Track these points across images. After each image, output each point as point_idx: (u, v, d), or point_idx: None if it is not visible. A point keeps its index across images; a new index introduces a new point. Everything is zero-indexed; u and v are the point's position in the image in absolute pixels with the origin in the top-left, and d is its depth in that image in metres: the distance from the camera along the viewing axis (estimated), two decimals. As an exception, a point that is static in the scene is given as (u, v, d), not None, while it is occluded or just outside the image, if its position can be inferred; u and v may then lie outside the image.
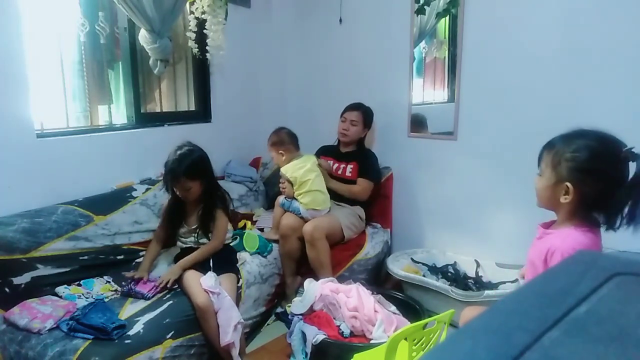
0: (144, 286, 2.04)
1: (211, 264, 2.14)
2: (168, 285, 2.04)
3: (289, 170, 2.62)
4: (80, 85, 2.45)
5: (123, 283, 2.07)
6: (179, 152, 2.12)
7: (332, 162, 2.88)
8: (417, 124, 2.96)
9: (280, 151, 2.66)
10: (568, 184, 1.20)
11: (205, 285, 1.95)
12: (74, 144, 2.32)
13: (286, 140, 2.66)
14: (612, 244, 1.93)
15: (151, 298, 1.99)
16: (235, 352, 1.94)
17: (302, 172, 2.59)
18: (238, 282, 2.22)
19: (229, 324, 1.90)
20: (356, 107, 2.87)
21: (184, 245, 2.25)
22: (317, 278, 2.35)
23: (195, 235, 2.21)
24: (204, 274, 2.05)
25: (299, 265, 2.62)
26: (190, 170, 2.08)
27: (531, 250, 1.35)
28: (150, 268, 2.19)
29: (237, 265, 2.32)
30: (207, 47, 2.81)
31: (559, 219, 1.29)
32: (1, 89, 1.99)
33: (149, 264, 2.18)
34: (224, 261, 2.22)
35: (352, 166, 2.82)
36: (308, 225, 2.48)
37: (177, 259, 2.22)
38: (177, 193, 2.14)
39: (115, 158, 2.50)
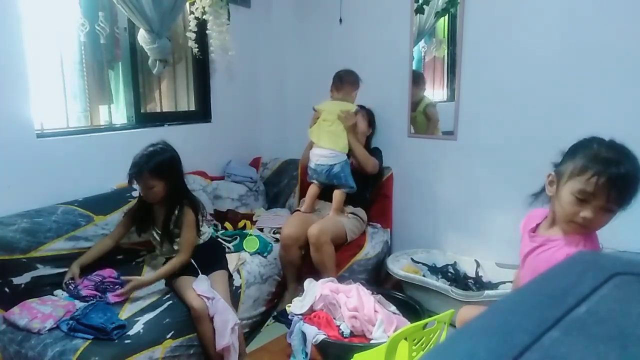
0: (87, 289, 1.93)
1: (196, 266, 2.08)
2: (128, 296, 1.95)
3: (322, 104, 2.71)
4: (80, 85, 2.45)
5: (71, 287, 1.94)
6: (150, 148, 2.02)
7: None
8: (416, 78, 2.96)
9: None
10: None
11: (199, 291, 1.92)
12: (74, 144, 2.32)
13: (334, 81, 2.73)
14: (612, 244, 1.94)
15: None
16: (234, 356, 1.92)
17: (329, 108, 2.64)
18: (230, 277, 2.20)
19: (226, 327, 1.88)
20: (360, 106, 2.91)
21: (167, 256, 2.13)
22: (317, 279, 2.35)
23: (165, 243, 2.10)
24: (195, 277, 2.02)
25: (299, 271, 2.62)
26: (156, 168, 1.97)
27: (533, 259, 1.32)
28: (88, 263, 2.01)
29: (226, 256, 2.29)
30: (211, 48, 2.82)
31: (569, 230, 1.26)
32: (1, 88, 1.99)
33: (87, 259, 2.01)
34: (210, 259, 2.16)
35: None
36: (313, 228, 2.46)
37: None
38: (140, 192, 2.07)
39: (115, 158, 2.49)
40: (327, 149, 2.59)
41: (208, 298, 1.91)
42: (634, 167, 1.14)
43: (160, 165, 1.99)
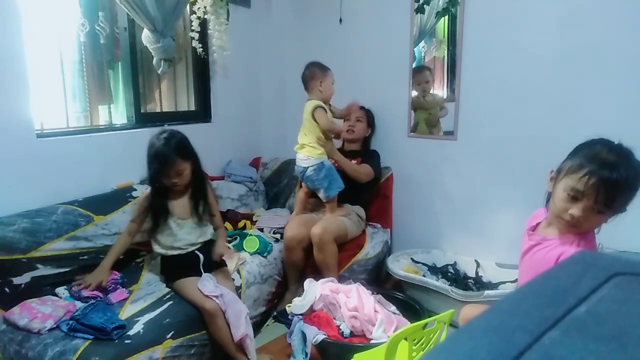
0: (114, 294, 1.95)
1: (201, 266, 2.08)
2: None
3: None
4: (80, 85, 2.45)
5: (74, 289, 1.94)
6: (162, 135, 1.97)
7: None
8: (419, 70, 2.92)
9: None
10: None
11: (207, 292, 1.92)
12: (74, 144, 2.31)
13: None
14: (612, 244, 1.94)
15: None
16: (251, 344, 1.94)
17: (303, 116, 2.60)
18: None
19: (239, 317, 1.91)
20: (359, 107, 2.91)
21: (182, 252, 2.09)
22: (319, 279, 2.35)
23: (192, 225, 2.11)
24: (197, 276, 2.02)
25: (302, 273, 2.62)
26: (182, 150, 1.97)
27: (529, 258, 1.33)
28: (112, 265, 2.05)
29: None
30: (212, 48, 2.82)
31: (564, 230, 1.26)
32: (1, 88, 1.99)
33: (111, 262, 2.03)
34: (210, 257, 2.16)
35: (355, 162, 2.82)
36: (316, 228, 2.46)
37: (165, 269, 2.14)
38: (167, 182, 2.00)
39: (115, 158, 2.50)
40: (303, 153, 2.60)
41: (217, 296, 1.92)
42: (630, 174, 1.13)
43: (183, 146, 2.00)
